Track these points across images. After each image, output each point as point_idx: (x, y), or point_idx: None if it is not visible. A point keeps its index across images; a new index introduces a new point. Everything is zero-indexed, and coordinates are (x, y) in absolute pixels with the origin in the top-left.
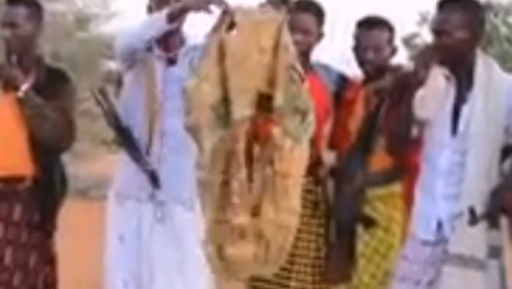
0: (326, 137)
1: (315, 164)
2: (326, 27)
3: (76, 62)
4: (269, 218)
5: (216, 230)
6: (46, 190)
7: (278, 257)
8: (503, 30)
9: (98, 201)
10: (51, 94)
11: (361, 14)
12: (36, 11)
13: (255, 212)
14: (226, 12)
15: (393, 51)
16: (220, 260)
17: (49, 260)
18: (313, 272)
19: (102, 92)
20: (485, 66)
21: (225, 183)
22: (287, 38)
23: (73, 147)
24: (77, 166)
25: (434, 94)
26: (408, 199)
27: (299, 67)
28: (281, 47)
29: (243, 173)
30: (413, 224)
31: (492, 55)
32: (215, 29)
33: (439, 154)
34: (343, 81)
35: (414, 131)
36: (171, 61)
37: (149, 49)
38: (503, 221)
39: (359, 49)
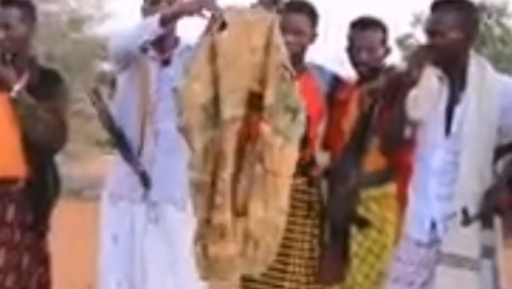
0: (320, 138)
1: (309, 164)
2: (320, 28)
3: (70, 63)
4: (258, 216)
5: (202, 230)
6: (39, 190)
7: (267, 257)
8: (497, 31)
9: (91, 202)
10: (44, 94)
11: (354, 15)
12: (30, 12)
13: (244, 210)
14: (218, 14)
15: (387, 51)
16: (205, 259)
17: (43, 260)
18: (307, 272)
19: (96, 93)
20: (478, 67)
21: (213, 183)
22: (278, 37)
23: (66, 147)
24: (70, 167)
25: (427, 94)
26: (402, 199)
27: (290, 66)
28: (272, 46)
29: (227, 173)
30: (406, 224)
31: (486, 56)
32: (207, 30)
33: (432, 154)
34: (336, 81)
35: (407, 131)
36: (165, 62)
37: (143, 50)
38: (497, 221)
39: (352, 50)
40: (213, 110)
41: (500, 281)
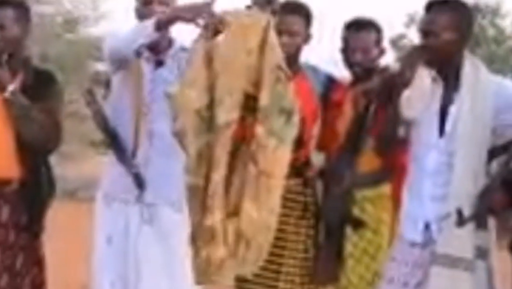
0: (314, 139)
1: (304, 165)
2: (314, 29)
3: (65, 63)
4: (250, 217)
5: (195, 233)
6: (33, 191)
7: (258, 257)
8: (491, 31)
9: (86, 202)
10: (39, 95)
11: (349, 16)
12: (24, 13)
13: (236, 211)
14: (213, 22)
15: (381, 52)
16: (197, 262)
17: (37, 261)
18: (301, 273)
19: (90, 93)
20: (472, 68)
21: (206, 187)
22: (273, 37)
23: (61, 148)
24: (65, 167)
25: (420, 94)
26: (396, 200)
27: (285, 67)
28: (267, 46)
29: (220, 175)
30: (400, 225)
31: (480, 57)
32: (202, 35)
33: (426, 154)
34: (331, 82)
35: (401, 131)
36: (159, 63)
37: (138, 54)
38: (491, 222)
39: (347, 51)
40: (208, 115)
41: (494, 282)
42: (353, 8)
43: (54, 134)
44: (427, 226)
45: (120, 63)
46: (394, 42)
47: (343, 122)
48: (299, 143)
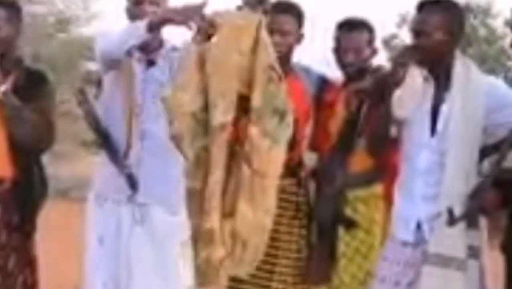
0: (307, 139)
1: (296, 165)
2: (306, 29)
3: (56, 63)
4: (245, 217)
5: (196, 235)
6: (25, 191)
7: (254, 257)
8: (482, 31)
9: (78, 202)
10: (31, 95)
11: (341, 16)
12: (16, 13)
13: (231, 211)
14: (205, 24)
15: (374, 52)
16: (199, 263)
17: (29, 262)
18: (294, 273)
19: (82, 93)
20: (463, 67)
21: (204, 190)
22: (265, 37)
23: (53, 148)
24: (57, 167)
25: (411, 93)
26: (389, 200)
27: (278, 67)
28: (259, 46)
29: (217, 176)
30: (392, 225)
31: (471, 56)
32: (193, 39)
33: (418, 154)
34: (323, 83)
35: (393, 131)
36: (151, 63)
37: (128, 54)
38: (482, 221)
39: (339, 51)
40: (204, 117)
41: (486, 281)
42: (345, 8)
43: (46, 134)
44: (418, 226)
45: (111, 63)
46: (386, 42)
47: (336, 122)
48: (292, 143)
